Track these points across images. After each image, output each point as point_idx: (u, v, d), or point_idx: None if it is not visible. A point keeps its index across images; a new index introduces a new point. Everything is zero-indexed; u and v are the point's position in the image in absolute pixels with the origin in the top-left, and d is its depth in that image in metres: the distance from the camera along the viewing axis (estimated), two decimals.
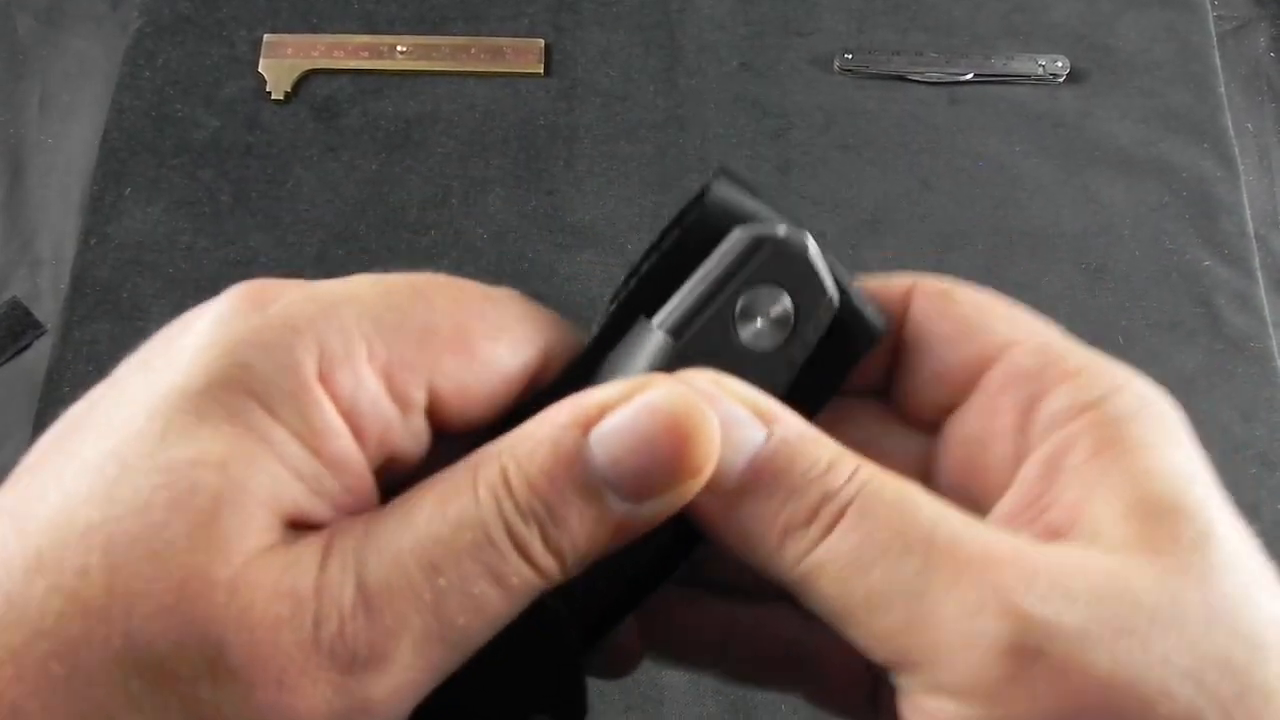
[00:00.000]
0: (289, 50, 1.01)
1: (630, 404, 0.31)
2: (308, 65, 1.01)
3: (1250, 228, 0.96)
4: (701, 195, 0.35)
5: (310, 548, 0.30)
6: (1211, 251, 0.95)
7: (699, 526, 0.33)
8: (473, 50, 1.01)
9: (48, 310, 1.01)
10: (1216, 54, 1.03)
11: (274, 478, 0.29)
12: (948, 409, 0.36)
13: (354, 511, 0.31)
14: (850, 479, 0.31)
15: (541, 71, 1.01)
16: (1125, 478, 0.32)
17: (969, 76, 1.00)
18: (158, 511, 0.28)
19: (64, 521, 0.28)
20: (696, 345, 0.34)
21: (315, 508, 0.30)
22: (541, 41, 1.02)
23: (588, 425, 0.31)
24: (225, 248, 0.93)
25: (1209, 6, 1.05)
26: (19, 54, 1.09)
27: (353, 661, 0.29)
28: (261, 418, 0.30)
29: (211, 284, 0.57)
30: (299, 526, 0.30)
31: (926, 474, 0.37)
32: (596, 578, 0.32)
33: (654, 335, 0.34)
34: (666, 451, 0.30)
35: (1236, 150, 0.98)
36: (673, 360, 0.34)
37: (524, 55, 1.01)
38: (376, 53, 1.01)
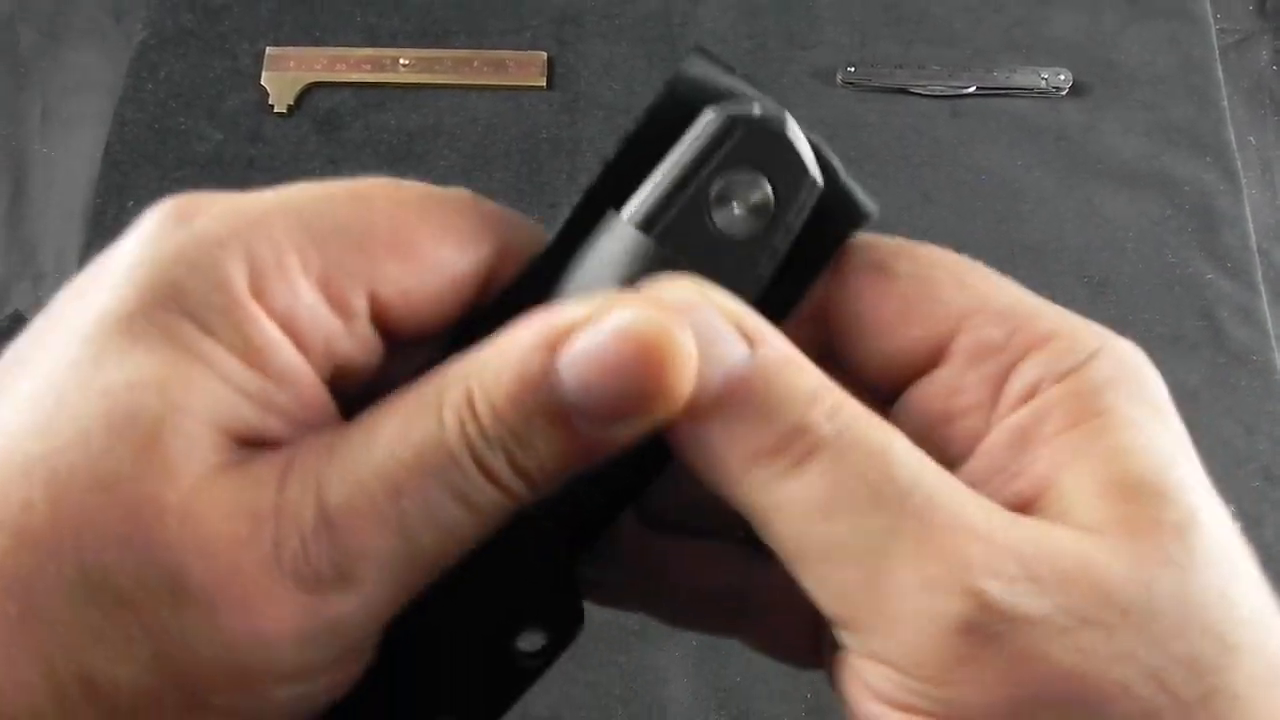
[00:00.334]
0: (291, 63, 1.01)
1: (599, 326, 0.28)
2: (310, 78, 1.01)
3: (1253, 241, 0.96)
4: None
5: (270, 467, 0.29)
6: (1214, 264, 0.95)
7: (667, 438, 0.30)
8: (475, 63, 1.01)
9: None
10: (1219, 67, 1.03)
11: (215, 395, 0.28)
12: (904, 384, 0.33)
13: (313, 425, 0.30)
14: (830, 416, 0.29)
15: (544, 84, 1.01)
16: (1102, 453, 0.30)
17: (971, 90, 1.00)
18: (98, 439, 0.27)
19: (4, 458, 0.27)
20: (669, 237, 0.32)
21: (268, 424, 0.29)
22: (544, 54, 1.02)
23: (555, 347, 0.28)
24: None
25: (1211, 20, 1.05)
26: (21, 67, 1.09)
27: (317, 581, 0.28)
28: (196, 336, 0.29)
29: None
30: (254, 445, 0.29)
31: None
32: (578, 487, 0.31)
33: (623, 229, 0.32)
34: (638, 378, 0.28)
35: (1239, 163, 0.98)
36: (645, 255, 0.32)
37: (526, 68, 1.01)
38: (379, 66, 1.01)
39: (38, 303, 1.02)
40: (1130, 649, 0.27)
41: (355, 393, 0.32)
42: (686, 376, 0.28)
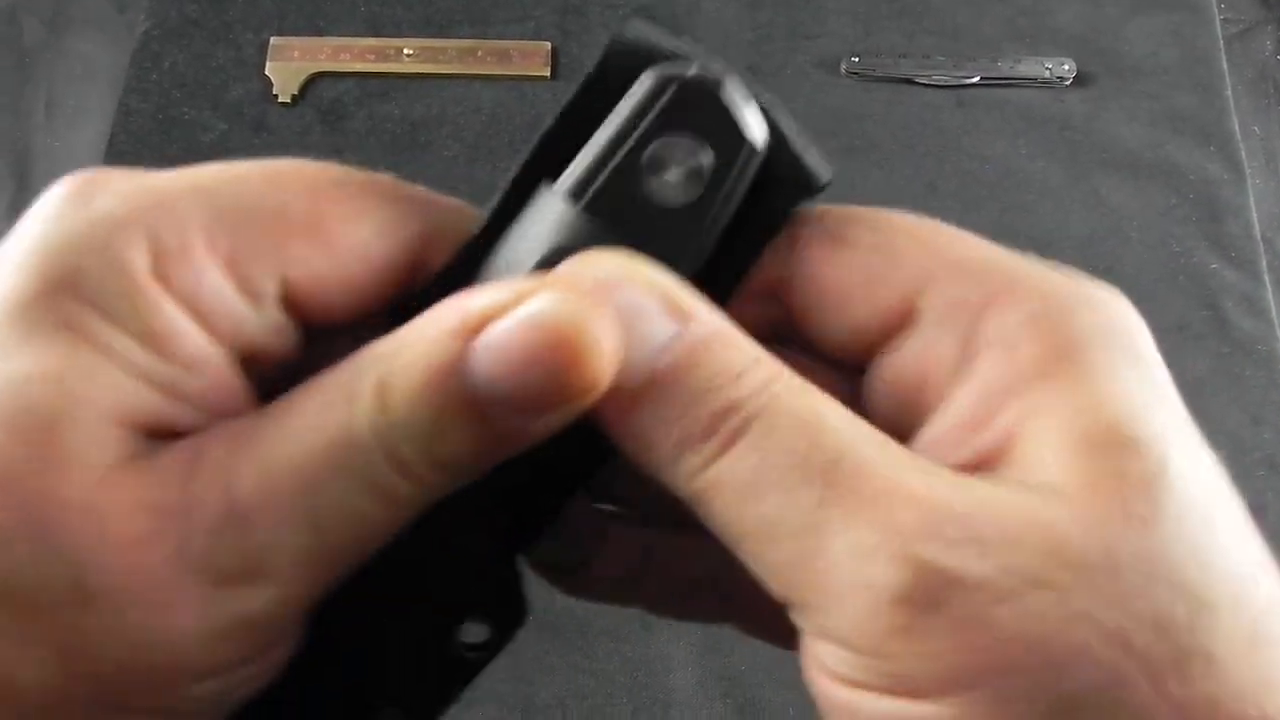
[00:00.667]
0: (295, 53, 1.01)
1: (513, 315, 0.27)
2: (314, 68, 1.01)
3: (1257, 230, 0.96)
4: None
5: (176, 459, 0.28)
6: (1219, 254, 0.94)
7: (600, 422, 0.29)
8: (479, 53, 1.01)
9: None
10: (1223, 57, 1.03)
11: (116, 386, 0.27)
12: (871, 354, 0.32)
13: (225, 412, 0.29)
14: (758, 392, 0.28)
15: (548, 74, 1.01)
16: (1072, 404, 0.28)
17: (976, 80, 1.00)
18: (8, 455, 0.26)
19: None
20: (600, 206, 0.30)
21: (176, 412, 0.28)
22: (548, 44, 1.02)
23: (469, 334, 0.27)
24: None
25: (1215, 10, 1.05)
26: (25, 58, 1.09)
27: (224, 576, 0.28)
28: (96, 323, 0.28)
29: None
30: (163, 435, 0.28)
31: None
32: (515, 475, 0.29)
33: (553, 200, 0.31)
34: (550, 370, 0.27)
35: (1243, 153, 0.98)
36: (575, 226, 0.30)
37: (530, 58, 1.01)
38: (383, 56, 1.01)
39: None
40: (1086, 610, 0.25)
41: (275, 380, 0.31)
42: (602, 368, 0.27)
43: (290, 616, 0.29)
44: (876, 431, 0.28)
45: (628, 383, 0.28)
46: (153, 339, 0.28)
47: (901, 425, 0.30)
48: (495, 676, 0.81)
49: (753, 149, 0.30)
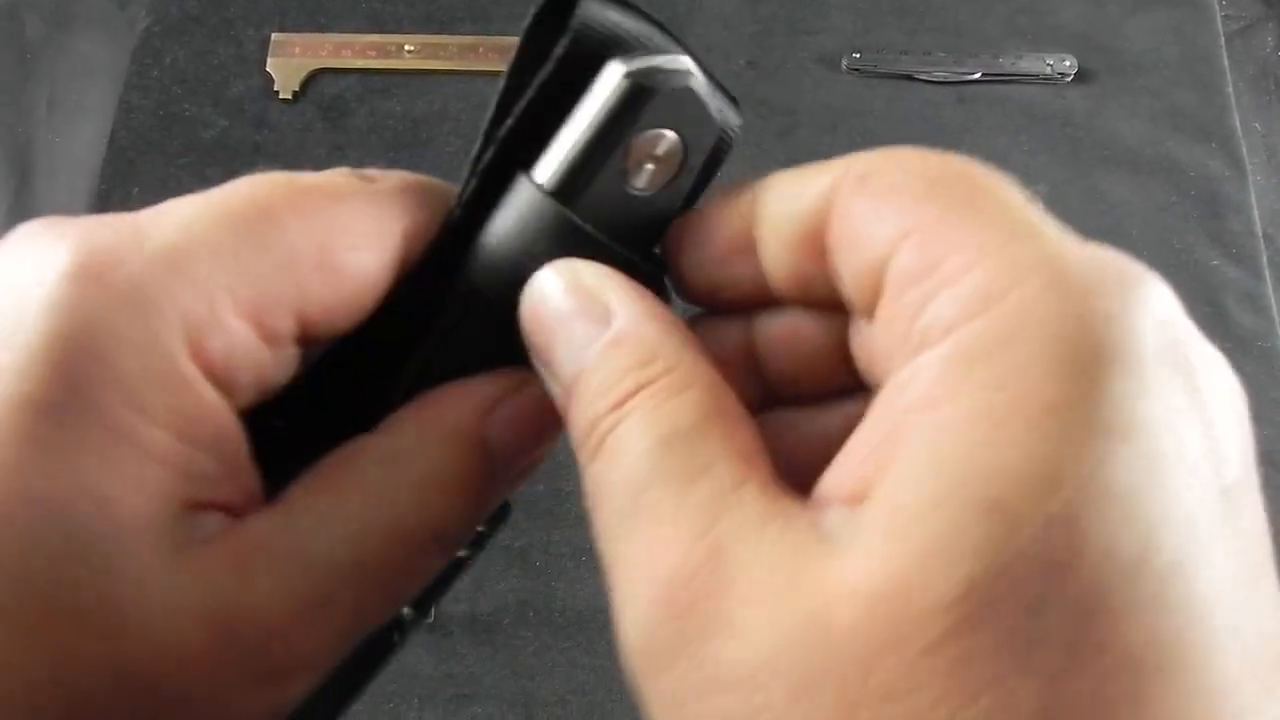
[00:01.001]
0: (296, 49, 1.01)
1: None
2: (315, 64, 1.01)
3: (1258, 227, 0.96)
4: (556, 18, 0.32)
5: (220, 561, 0.28)
6: (1219, 251, 0.94)
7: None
8: (480, 49, 1.01)
9: None
10: (1224, 54, 1.03)
11: (159, 485, 0.27)
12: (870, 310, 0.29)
13: (229, 474, 0.29)
14: (621, 403, 0.29)
15: None
16: (922, 460, 0.24)
17: (977, 76, 1.00)
18: (40, 564, 0.26)
19: None
20: (585, 206, 0.32)
21: (202, 492, 0.29)
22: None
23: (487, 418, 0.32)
24: None
25: (1216, 6, 1.05)
26: (27, 54, 1.09)
27: (281, 676, 0.29)
28: (133, 420, 0.27)
29: None
30: (193, 507, 0.29)
31: None
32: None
33: (537, 199, 0.32)
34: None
35: (1244, 150, 0.98)
36: (563, 227, 0.31)
37: None
38: (384, 52, 1.01)
39: None
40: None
41: (257, 402, 0.31)
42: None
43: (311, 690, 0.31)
44: (715, 444, 0.28)
45: (565, 385, 0.30)
46: (188, 425, 0.28)
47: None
48: (496, 673, 0.81)
49: (724, 137, 0.33)
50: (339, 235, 0.31)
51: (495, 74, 0.99)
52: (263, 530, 0.29)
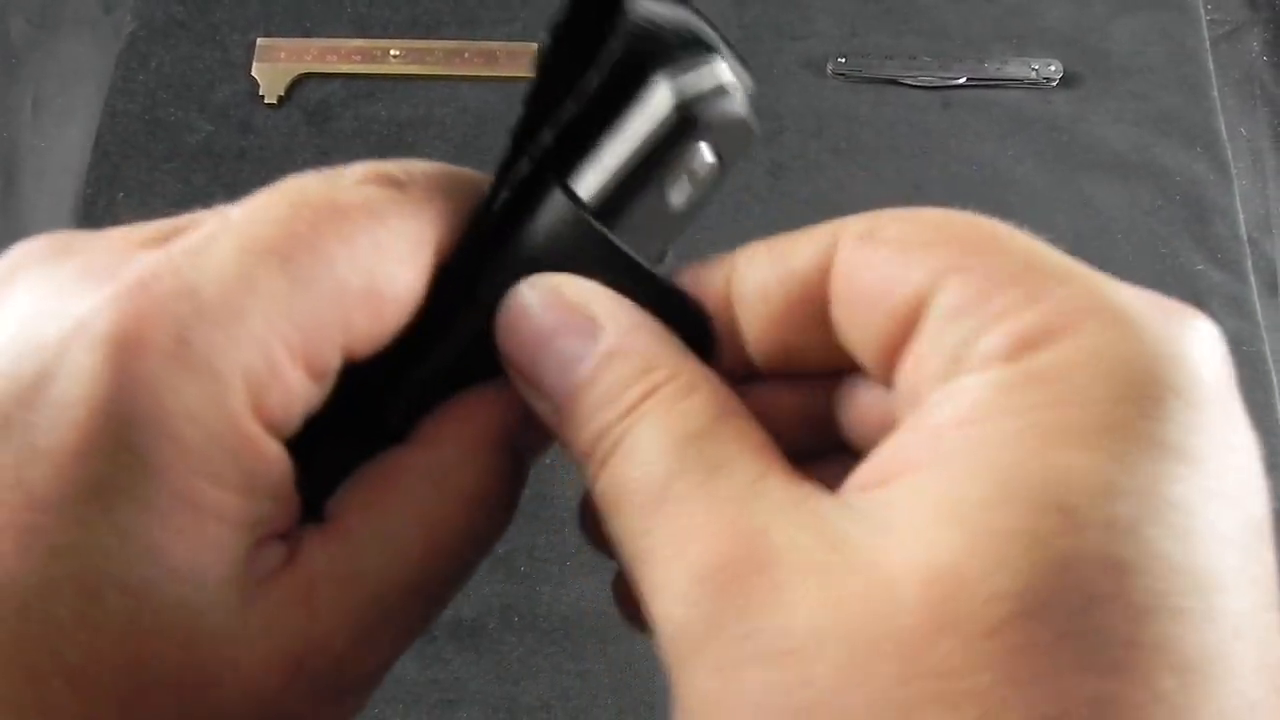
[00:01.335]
0: (282, 54, 1.01)
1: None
2: (301, 69, 1.00)
3: (1243, 231, 0.96)
4: (601, 27, 0.31)
5: (285, 596, 0.29)
6: (1204, 255, 0.95)
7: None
8: (466, 54, 1.01)
9: None
10: (1209, 58, 1.03)
11: (230, 547, 0.27)
12: (890, 361, 0.29)
13: (284, 508, 0.29)
14: (630, 411, 0.29)
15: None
16: (986, 454, 0.25)
17: (962, 81, 1.00)
18: (133, 641, 0.26)
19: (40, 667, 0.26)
20: (623, 225, 0.31)
21: (260, 533, 0.29)
22: (535, 45, 1.01)
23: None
24: None
25: (1202, 10, 1.05)
26: (12, 57, 1.09)
27: (340, 695, 0.30)
28: (203, 487, 0.26)
29: None
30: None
31: None
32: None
33: (582, 221, 0.31)
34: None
35: (1230, 154, 0.98)
36: (600, 247, 0.31)
37: (517, 59, 1.01)
38: (369, 57, 1.01)
39: None
40: (831, 705, 0.24)
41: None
42: None
43: None
44: (736, 441, 0.28)
45: (556, 402, 0.30)
46: (254, 482, 0.28)
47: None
48: (481, 678, 0.81)
49: (754, 135, 0.33)
50: (382, 261, 0.30)
51: (481, 79, 0.99)
52: (322, 559, 0.30)
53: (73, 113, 1.09)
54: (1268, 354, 0.91)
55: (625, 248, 0.31)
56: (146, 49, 1.02)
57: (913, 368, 0.28)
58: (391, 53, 1.01)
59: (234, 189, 1.02)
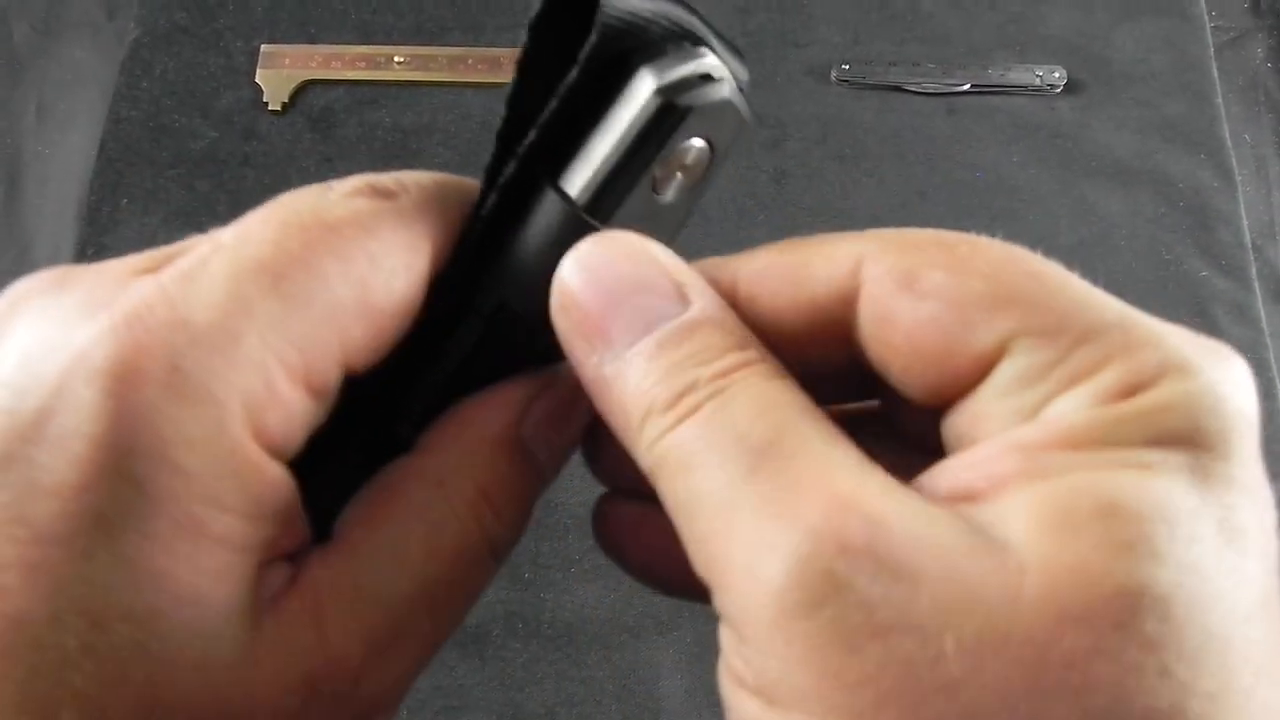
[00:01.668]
0: (286, 61, 1.01)
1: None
2: (305, 76, 1.01)
3: (1247, 238, 0.96)
4: (582, 24, 0.30)
5: (293, 616, 0.29)
6: (1209, 262, 0.95)
7: (588, 392, 0.31)
8: (470, 61, 1.01)
9: None
10: (1214, 65, 1.03)
11: (237, 571, 0.28)
12: (943, 406, 0.30)
13: (289, 529, 0.29)
14: (728, 371, 0.28)
15: None
16: (1086, 478, 0.25)
17: (966, 87, 1.00)
18: (142, 669, 0.26)
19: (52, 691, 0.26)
20: (616, 219, 0.31)
21: (265, 555, 0.29)
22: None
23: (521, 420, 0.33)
24: None
25: (1206, 17, 1.05)
26: (16, 63, 1.09)
27: (360, 715, 0.30)
28: (206, 514, 0.27)
29: None
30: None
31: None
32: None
33: (575, 219, 0.31)
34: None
35: (1234, 161, 0.98)
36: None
37: None
38: (374, 63, 1.01)
39: None
40: (964, 686, 0.24)
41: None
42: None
43: None
44: (834, 430, 0.28)
45: (626, 349, 0.29)
46: (258, 507, 0.28)
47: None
48: (484, 685, 0.81)
49: (747, 126, 0.32)
50: (375, 273, 0.30)
51: (485, 85, 0.99)
52: (327, 576, 0.30)
53: (76, 119, 1.09)
54: (1272, 360, 0.91)
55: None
56: (150, 55, 1.02)
57: (974, 418, 0.29)
58: (396, 59, 1.01)
59: (238, 195, 1.02)
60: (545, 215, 0.31)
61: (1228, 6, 1.08)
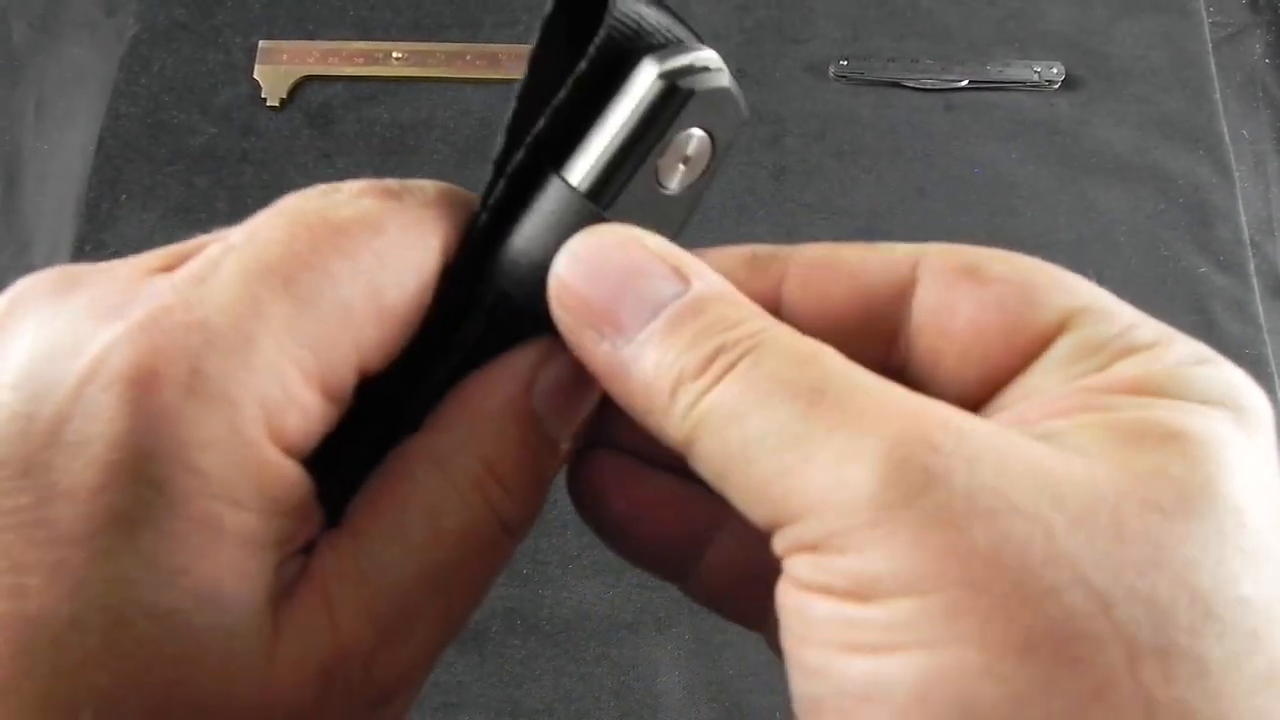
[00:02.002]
0: (284, 57, 1.01)
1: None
2: (303, 72, 1.00)
3: (1246, 234, 0.96)
4: (590, 23, 0.31)
5: (306, 606, 0.29)
6: (1207, 258, 0.95)
7: (602, 383, 0.31)
8: (468, 57, 1.01)
9: None
10: (1212, 61, 1.03)
11: (255, 568, 0.28)
12: (995, 389, 0.31)
13: (304, 525, 0.30)
14: (754, 334, 0.29)
15: None
16: (1133, 420, 0.27)
17: (964, 83, 1.00)
18: (163, 667, 0.26)
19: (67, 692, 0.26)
20: (620, 207, 0.32)
21: (282, 551, 0.29)
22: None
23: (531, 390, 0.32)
24: None
25: (1204, 13, 1.05)
26: (14, 60, 1.09)
27: (377, 700, 0.30)
28: (225, 513, 0.27)
29: None
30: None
31: None
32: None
33: (573, 201, 0.31)
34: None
35: (1232, 157, 0.98)
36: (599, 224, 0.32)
37: (520, 61, 1.00)
38: (372, 59, 1.01)
39: None
40: (1072, 558, 0.25)
41: None
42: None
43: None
44: (877, 375, 0.28)
45: (635, 335, 0.30)
46: (276, 505, 0.28)
47: None
48: (483, 681, 0.81)
49: (745, 119, 0.33)
50: (385, 273, 0.30)
51: (483, 81, 0.99)
52: (334, 562, 0.30)
53: (75, 116, 1.09)
54: (1270, 357, 0.91)
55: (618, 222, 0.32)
56: (149, 52, 1.02)
57: (1027, 391, 0.30)
58: (394, 55, 1.01)
59: (236, 192, 1.02)
60: (549, 202, 0.32)
61: (1226, 2, 1.08)
